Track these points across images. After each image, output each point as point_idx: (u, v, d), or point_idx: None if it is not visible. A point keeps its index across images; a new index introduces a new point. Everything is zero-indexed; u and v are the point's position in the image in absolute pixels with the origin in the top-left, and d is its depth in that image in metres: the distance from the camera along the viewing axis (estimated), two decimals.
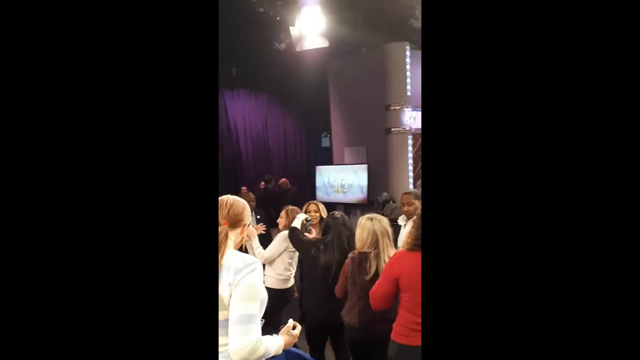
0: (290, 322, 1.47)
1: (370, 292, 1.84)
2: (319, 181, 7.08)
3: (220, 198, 1.41)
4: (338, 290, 2.25)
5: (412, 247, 1.70)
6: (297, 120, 8.66)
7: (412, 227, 1.78)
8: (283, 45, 5.85)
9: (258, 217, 3.96)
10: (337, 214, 2.52)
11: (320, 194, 7.03)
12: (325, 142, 8.55)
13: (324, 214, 2.87)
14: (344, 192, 6.66)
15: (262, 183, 6.62)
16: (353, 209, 6.41)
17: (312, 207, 2.91)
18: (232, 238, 1.37)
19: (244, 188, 6.52)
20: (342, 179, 6.69)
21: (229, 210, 1.38)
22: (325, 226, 2.50)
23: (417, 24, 5.48)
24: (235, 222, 1.39)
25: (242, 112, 7.94)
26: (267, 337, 1.32)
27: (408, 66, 5.94)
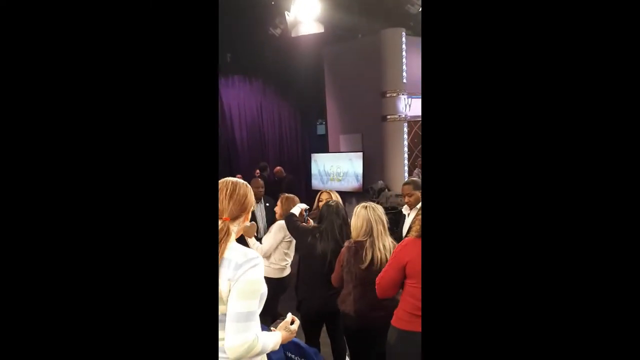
0: (289, 316, 1.45)
1: (376, 279, 1.84)
2: (315, 169, 7.06)
3: (220, 181, 1.28)
4: (334, 279, 2.26)
5: (419, 235, 1.71)
6: (293, 107, 8.60)
7: (418, 215, 1.77)
8: (278, 31, 5.77)
9: (267, 204, 3.89)
10: (332, 202, 2.51)
11: (315, 182, 7.02)
12: (320, 130, 8.52)
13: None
14: (340, 180, 6.65)
15: (257, 171, 6.59)
16: (348, 197, 6.41)
17: (324, 195, 2.84)
18: (234, 229, 1.27)
19: (238, 175, 6.49)
20: (337, 167, 6.68)
21: (231, 196, 1.26)
22: (320, 214, 2.49)
23: (414, 9, 5.41)
24: (240, 209, 1.27)
25: (236, 99, 7.87)
26: (265, 333, 1.28)
27: (404, 52, 5.88)
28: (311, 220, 2.73)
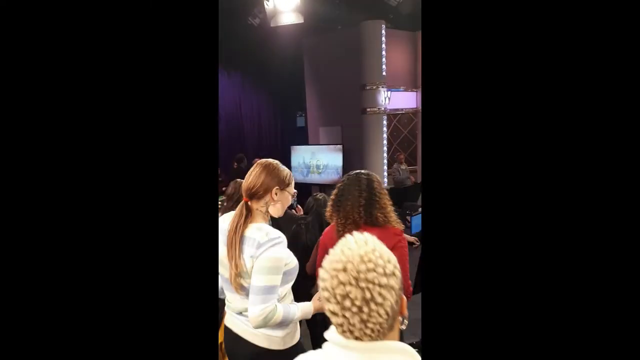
0: None
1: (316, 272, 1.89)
2: (295, 161, 7.02)
3: (259, 162, 1.46)
4: (309, 267, 2.27)
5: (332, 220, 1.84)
6: (272, 98, 8.51)
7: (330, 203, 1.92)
8: (257, 21, 5.69)
9: None
10: (319, 195, 2.53)
11: (295, 175, 6.95)
12: (300, 122, 8.46)
13: None
14: (320, 173, 6.64)
15: (235, 163, 6.51)
16: (328, 190, 6.40)
17: None
18: (261, 208, 1.38)
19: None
20: (317, 160, 6.66)
21: (267, 169, 1.41)
22: (307, 206, 2.52)
23: (393, 1, 5.40)
24: (277, 181, 1.40)
25: None
26: (293, 304, 1.39)
27: (384, 45, 5.89)
28: (300, 208, 2.73)
